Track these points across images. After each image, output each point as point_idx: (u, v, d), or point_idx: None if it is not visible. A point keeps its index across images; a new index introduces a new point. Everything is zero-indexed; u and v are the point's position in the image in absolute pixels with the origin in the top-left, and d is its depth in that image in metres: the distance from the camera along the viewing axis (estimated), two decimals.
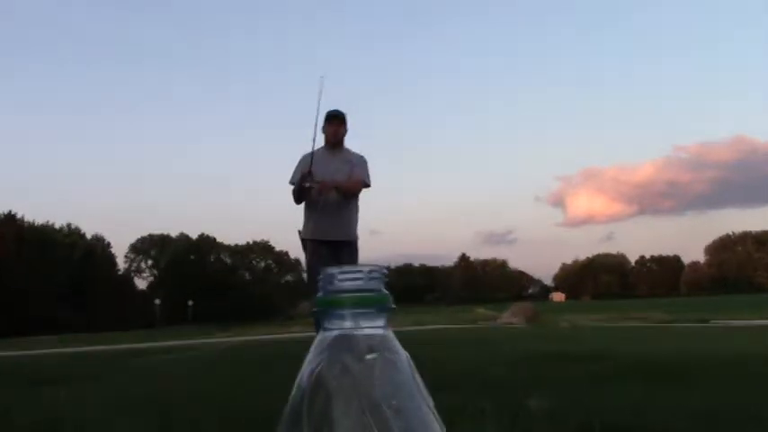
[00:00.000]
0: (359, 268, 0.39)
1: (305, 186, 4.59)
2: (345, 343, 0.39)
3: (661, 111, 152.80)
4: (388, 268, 0.41)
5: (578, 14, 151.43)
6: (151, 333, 30.97)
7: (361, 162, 4.86)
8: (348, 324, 0.39)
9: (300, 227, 4.84)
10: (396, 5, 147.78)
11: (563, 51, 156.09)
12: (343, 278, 0.39)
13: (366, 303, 0.39)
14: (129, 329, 37.59)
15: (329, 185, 4.62)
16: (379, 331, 0.40)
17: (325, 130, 4.81)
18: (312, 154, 4.69)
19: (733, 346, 7.09)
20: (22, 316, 43.75)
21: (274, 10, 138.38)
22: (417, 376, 0.40)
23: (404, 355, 0.40)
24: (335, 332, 0.39)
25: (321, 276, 0.40)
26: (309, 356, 0.39)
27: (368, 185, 4.85)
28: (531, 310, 25.32)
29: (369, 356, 0.38)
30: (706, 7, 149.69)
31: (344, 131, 4.88)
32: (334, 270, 0.40)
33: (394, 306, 0.41)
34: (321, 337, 0.40)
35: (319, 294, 0.40)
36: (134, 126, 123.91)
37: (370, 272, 0.39)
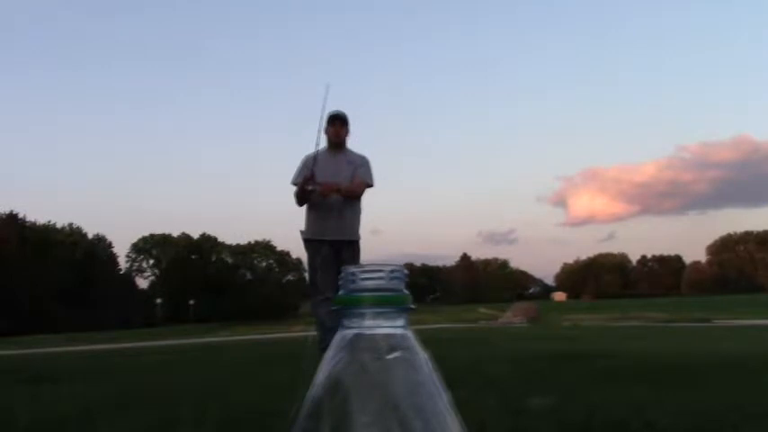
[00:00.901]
0: (380, 267, 0.40)
1: (307, 189, 4.60)
2: (365, 342, 0.39)
3: (663, 111, 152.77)
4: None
5: (580, 14, 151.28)
6: (152, 332, 31.02)
7: (363, 163, 4.86)
8: (368, 323, 0.39)
9: (302, 227, 4.85)
10: (397, 5, 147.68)
11: (565, 51, 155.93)
12: (365, 277, 0.39)
13: (386, 303, 0.39)
14: (130, 328, 37.59)
15: (331, 188, 4.62)
16: (399, 331, 0.40)
17: (327, 131, 4.81)
18: (315, 155, 4.69)
19: (734, 346, 7.09)
20: (24, 315, 43.85)
21: (276, 10, 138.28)
22: (436, 376, 0.41)
23: (423, 354, 0.41)
24: (355, 331, 0.39)
25: (342, 275, 0.41)
26: (328, 355, 0.40)
27: (371, 186, 4.85)
28: (533, 309, 25.38)
29: (388, 356, 0.38)
30: (708, 6, 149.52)
31: (346, 132, 4.88)
32: (355, 269, 0.40)
33: (414, 306, 0.41)
34: (340, 336, 0.40)
35: (340, 293, 0.40)
36: (136, 126, 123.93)
37: (392, 271, 0.40)
